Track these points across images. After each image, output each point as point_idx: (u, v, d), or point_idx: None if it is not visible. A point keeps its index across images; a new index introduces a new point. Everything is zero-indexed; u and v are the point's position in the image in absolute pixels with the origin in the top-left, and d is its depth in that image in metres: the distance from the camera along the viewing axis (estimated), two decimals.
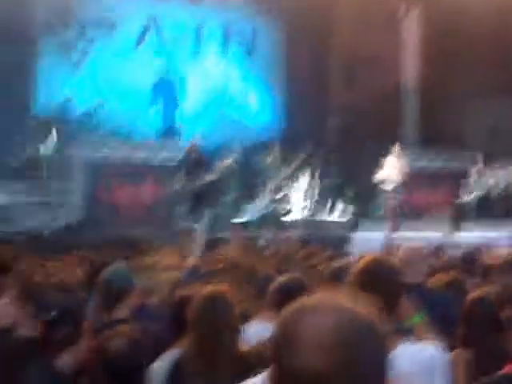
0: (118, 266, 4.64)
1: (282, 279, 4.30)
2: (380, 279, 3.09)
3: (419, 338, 3.19)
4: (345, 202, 16.42)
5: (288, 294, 3.78)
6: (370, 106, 18.70)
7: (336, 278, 5.69)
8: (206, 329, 3.48)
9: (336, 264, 5.89)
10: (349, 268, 5.80)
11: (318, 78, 19.39)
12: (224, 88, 19.84)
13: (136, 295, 4.45)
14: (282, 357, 1.37)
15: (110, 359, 3.05)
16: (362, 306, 1.42)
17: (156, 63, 18.96)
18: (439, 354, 3.16)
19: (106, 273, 4.43)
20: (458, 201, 16.45)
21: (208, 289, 3.70)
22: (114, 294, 4.23)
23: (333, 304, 1.40)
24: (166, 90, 18.83)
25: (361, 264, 3.26)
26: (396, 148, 15.77)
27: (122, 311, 4.19)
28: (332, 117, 19.69)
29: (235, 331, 3.57)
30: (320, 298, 1.44)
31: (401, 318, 3.24)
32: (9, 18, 15.80)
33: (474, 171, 16.73)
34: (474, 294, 4.27)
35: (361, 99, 18.87)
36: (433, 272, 6.20)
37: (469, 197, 16.39)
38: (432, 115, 18.64)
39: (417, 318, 3.32)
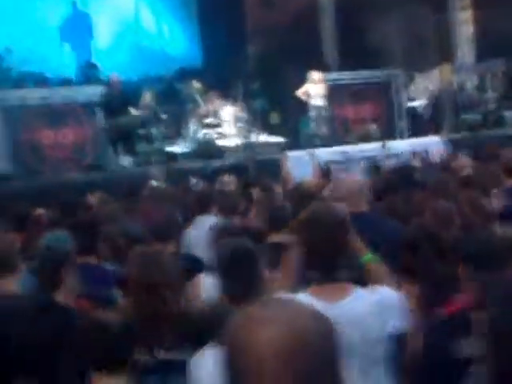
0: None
1: None
2: (326, 227, 3.04)
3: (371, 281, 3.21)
4: (271, 126, 16.38)
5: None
6: (288, 29, 18.56)
7: None
8: (145, 289, 3.34)
9: None
10: None
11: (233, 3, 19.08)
12: (136, 19, 19.42)
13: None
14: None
15: None
16: (309, 312, 1.45)
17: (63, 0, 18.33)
18: (391, 294, 3.11)
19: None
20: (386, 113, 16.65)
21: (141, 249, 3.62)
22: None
23: (280, 314, 1.42)
24: (77, 25, 18.26)
25: (305, 214, 3.19)
26: (317, 67, 15.79)
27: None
28: (250, 42, 19.48)
29: (175, 290, 3.44)
30: (267, 307, 1.46)
31: (353, 255, 3.25)
32: None
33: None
34: (415, 222, 4.17)
35: (278, 22, 18.69)
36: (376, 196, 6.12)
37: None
38: (350, 30, 18.59)
39: (368, 256, 3.31)
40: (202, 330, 3.15)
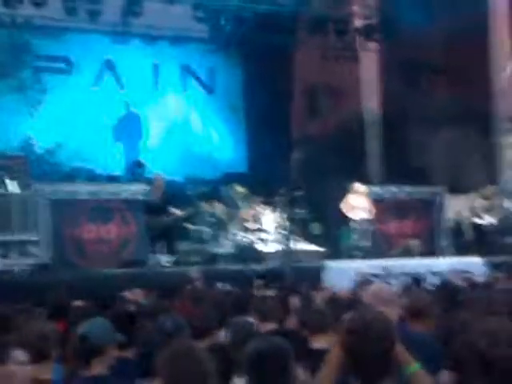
0: (94, 321, 4.52)
1: None
2: (373, 334, 3.00)
3: None
4: (312, 234, 16.37)
5: None
6: (333, 139, 18.85)
7: None
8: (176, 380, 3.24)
9: None
10: None
11: (280, 112, 19.50)
12: (185, 122, 19.88)
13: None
14: None
15: None
16: None
17: (116, 102, 18.91)
18: None
19: (82, 328, 4.35)
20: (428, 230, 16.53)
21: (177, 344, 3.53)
22: (89, 350, 4.17)
23: None
24: (129, 127, 18.78)
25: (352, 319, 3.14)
26: (360, 179, 15.89)
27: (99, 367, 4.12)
28: (295, 150, 19.78)
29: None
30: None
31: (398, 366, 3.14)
32: None
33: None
34: (463, 336, 4.06)
35: (323, 132, 19.01)
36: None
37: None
38: (395, 144, 18.79)
39: (414, 367, 3.20)
40: None
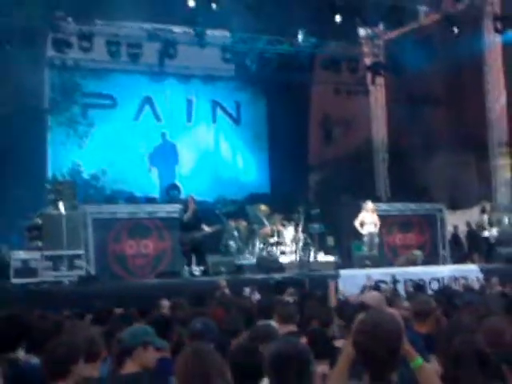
0: (133, 327, 4.55)
1: None
2: (381, 333, 2.91)
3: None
4: (327, 247, 16.30)
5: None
6: (345, 163, 18.86)
7: None
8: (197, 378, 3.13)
9: None
10: None
11: (298, 140, 19.55)
12: (215, 149, 19.94)
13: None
14: None
15: None
16: None
17: (153, 133, 19.02)
18: None
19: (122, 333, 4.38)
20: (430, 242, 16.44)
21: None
22: (122, 351, 4.17)
23: None
24: (165, 154, 18.90)
25: (362, 320, 3.05)
26: (370, 198, 15.89)
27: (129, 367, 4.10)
28: (312, 173, 19.80)
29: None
30: None
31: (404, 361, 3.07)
32: (21, 95, 15.74)
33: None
34: (462, 336, 3.96)
35: (337, 157, 19.02)
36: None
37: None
38: (399, 169, 18.78)
39: (419, 361, 3.12)
40: None
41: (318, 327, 5.13)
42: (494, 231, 16.10)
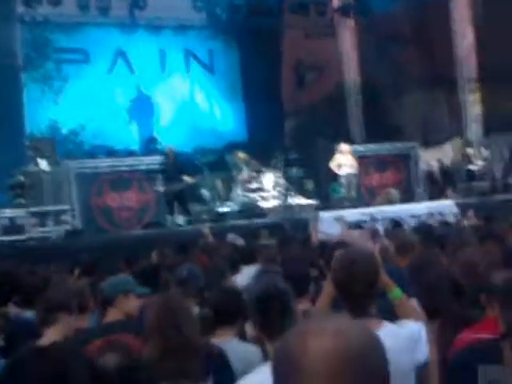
0: (114, 277, 4.54)
1: None
2: (358, 266, 2.95)
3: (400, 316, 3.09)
4: (306, 190, 16.38)
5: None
6: (319, 107, 18.83)
7: None
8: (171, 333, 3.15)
9: None
10: None
11: (272, 86, 19.42)
12: (191, 100, 19.77)
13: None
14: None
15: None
16: (360, 326, 1.31)
17: (129, 85, 18.79)
18: (418, 328, 2.98)
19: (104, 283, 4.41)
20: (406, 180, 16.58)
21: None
22: (103, 301, 4.22)
23: (334, 328, 1.27)
24: (141, 107, 18.73)
25: (339, 255, 3.12)
26: (345, 140, 15.90)
27: (112, 316, 4.14)
28: (288, 119, 19.76)
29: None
30: (319, 322, 1.30)
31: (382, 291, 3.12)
32: None
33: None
34: (438, 268, 4.04)
35: (311, 101, 18.96)
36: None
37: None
38: (373, 111, 18.81)
39: (396, 292, 3.16)
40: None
41: (299, 266, 5.21)
42: (480, 163, 16.11)
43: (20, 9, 15.89)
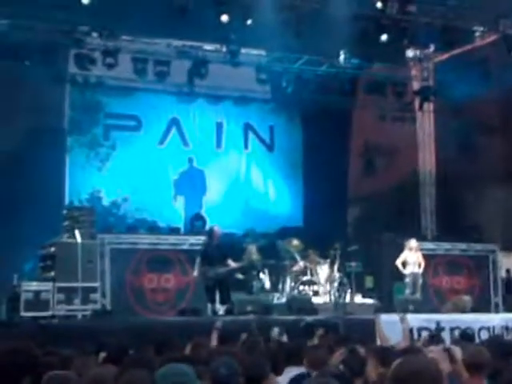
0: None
1: None
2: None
3: None
4: (366, 288, 16.14)
5: None
6: (388, 196, 18.72)
7: None
8: None
9: None
10: None
11: (337, 169, 19.44)
12: (246, 178, 19.94)
13: None
14: None
15: None
16: None
17: (180, 158, 19.10)
18: None
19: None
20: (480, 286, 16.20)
21: None
22: None
23: None
24: (191, 182, 18.94)
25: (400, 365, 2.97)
26: (414, 235, 15.72)
27: None
28: (351, 206, 19.67)
29: None
30: None
31: None
32: (39, 115, 16.05)
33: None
34: None
35: (379, 189, 18.88)
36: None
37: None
38: (448, 204, 18.58)
39: None
40: None
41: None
42: None
43: (72, 69, 16.45)
